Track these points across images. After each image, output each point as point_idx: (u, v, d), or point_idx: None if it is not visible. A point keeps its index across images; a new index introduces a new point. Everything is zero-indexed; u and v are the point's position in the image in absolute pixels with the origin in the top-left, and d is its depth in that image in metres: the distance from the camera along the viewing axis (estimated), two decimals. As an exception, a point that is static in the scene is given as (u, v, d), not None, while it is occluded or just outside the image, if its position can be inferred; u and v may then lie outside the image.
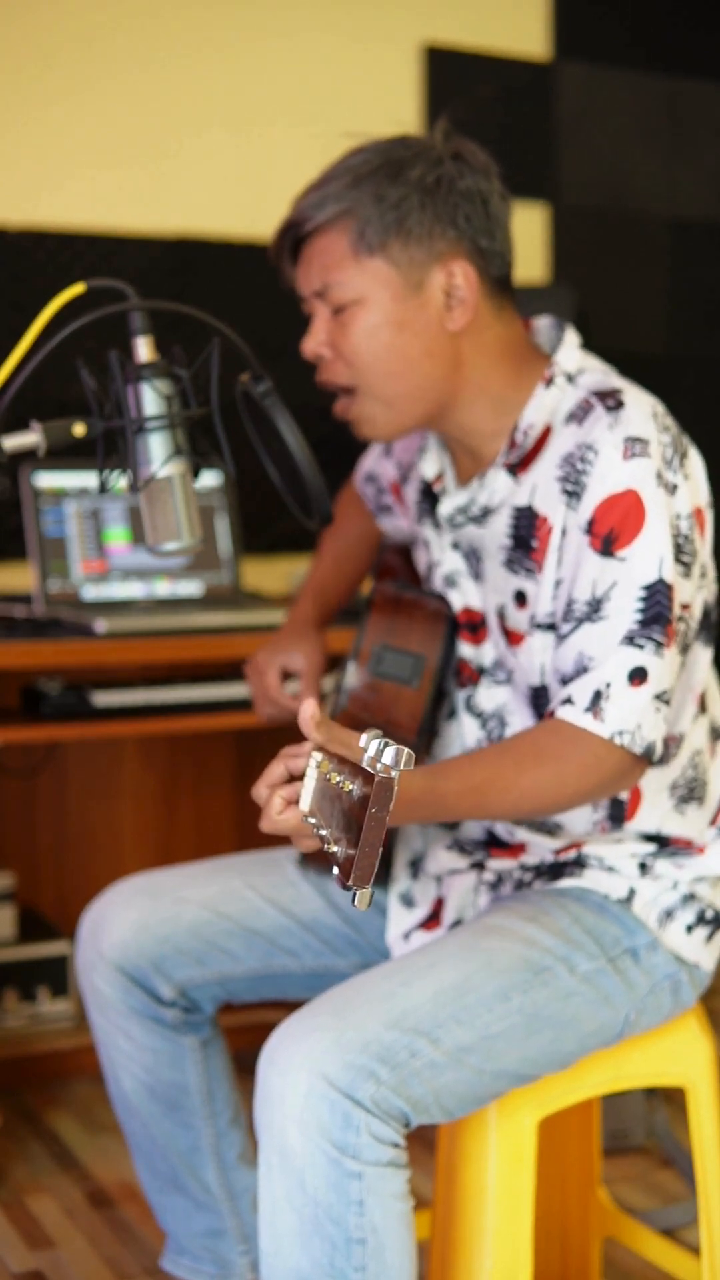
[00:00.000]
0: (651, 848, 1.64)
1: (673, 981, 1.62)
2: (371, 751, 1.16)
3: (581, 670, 1.49)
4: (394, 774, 1.14)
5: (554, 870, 1.65)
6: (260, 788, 1.36)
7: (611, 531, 1.50)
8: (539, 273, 3.45)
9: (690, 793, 1.64)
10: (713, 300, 3.69)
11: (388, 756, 1.15)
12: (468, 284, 1.58)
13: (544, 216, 3.46)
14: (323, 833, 1.22)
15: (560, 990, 1.53)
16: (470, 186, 1.58)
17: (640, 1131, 2.52)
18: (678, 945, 1.62)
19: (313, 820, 1.26)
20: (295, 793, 1.34)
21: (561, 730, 1.49)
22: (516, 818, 1.56)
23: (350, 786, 1.19)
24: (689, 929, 1.63)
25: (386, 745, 1.15)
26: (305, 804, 1.29)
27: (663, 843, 1.64)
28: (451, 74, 3.30)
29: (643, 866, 1.63)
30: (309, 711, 1.33)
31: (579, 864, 1.64)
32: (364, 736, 1.18)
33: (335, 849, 1.20)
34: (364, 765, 1.16)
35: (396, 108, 3.23)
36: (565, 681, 1.51)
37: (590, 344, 1.69)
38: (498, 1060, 1.48)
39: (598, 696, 1.47)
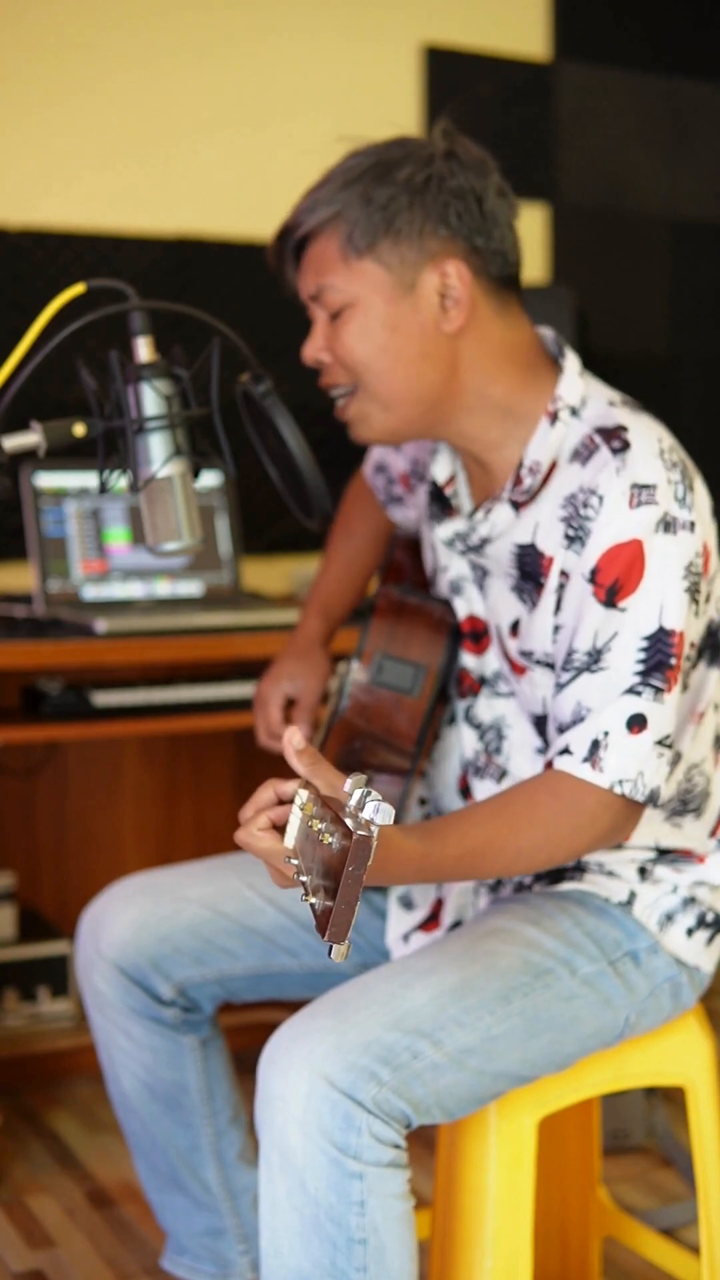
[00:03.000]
0: (651, 854, 1.63)
1: (673, 984, 1.62)
2: (354, 800, 1.13)
3: (579, 720, 1.48)
4: (373, 830, 1.11)
5: (554, 874, 1.65)
6: (247, 810, 1.35)
7: (616, 582, 1.48)
8: (539, 273, 3.45)
9: (684, 805, 1.63)
10: (713, 300, 3.69)
11: (368, 810, 1.12)
12: (462, 284, 1.55)
13: (544, 216, 3.46)
14: (303, 879, 1.20)
15: (561, 993, 1.53)
16: (462, 184, 1.55)
17: (640, 1131, 2.52)
18: (678, 948, 1.62)
19: (295, 861, 1.24)
20: (282, 816, 1.32)
21: (558, 786, 1.47)
22: (512, 876, 1.56)
23: (330, 839, 1.17)
24: (689, 932, 1.63)
25: (369, 797, 1.12)
26: (290, 841, 1.27)
27: (662, 851, 1.64)
28: (451, 74, 3.30)
29: (642, 871, 1.63)
30: (293, 739, 1.31)
31: (579, 868, 1.64)
32: (349, 781, 1.15)
33: (314, 900, 1.17)
34: (344, 817, 1.14)
35: (396, 108, 3.23)
36: (562, 730, 1.50)
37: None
38: (498, 1062, 1.48)
39: (596, 745, 1.46)
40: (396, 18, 3.25)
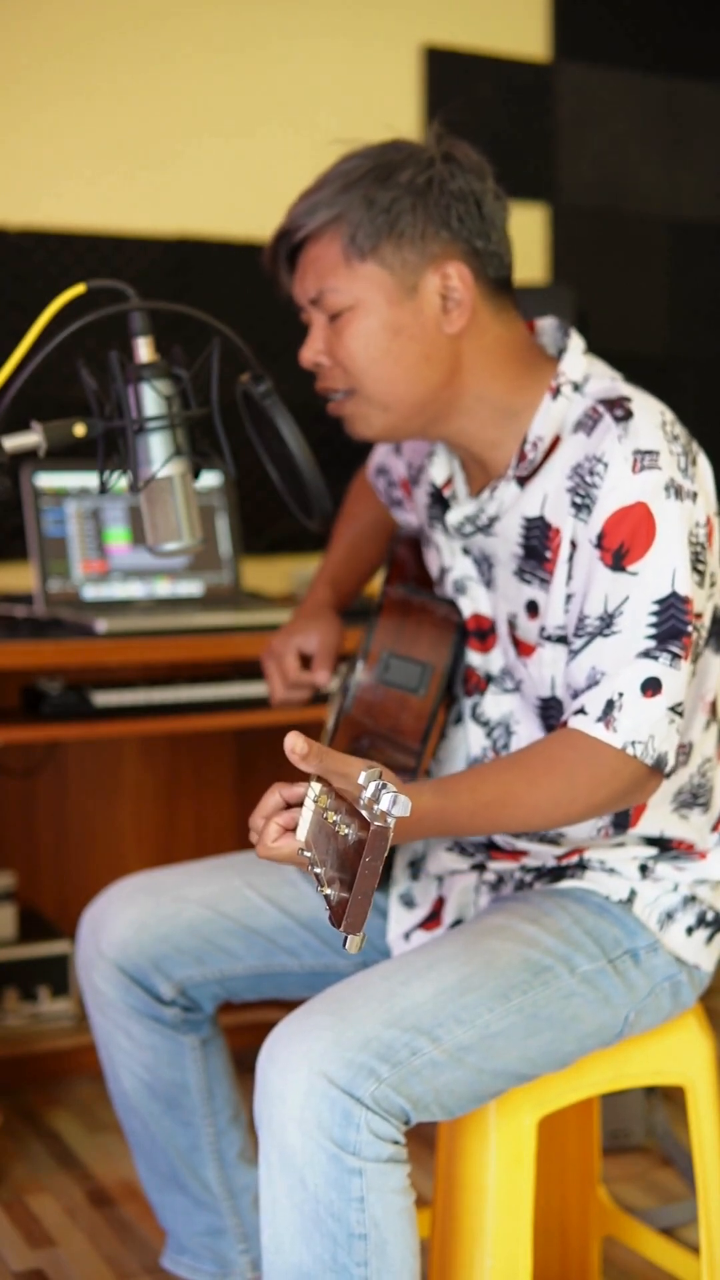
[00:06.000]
0: (653, 851, 1.64)
1: (672, 983, 1.62)
2: (369, 793, 1.13)
3: (594, 683, 1.48)
4: (390, 822, 1.11)
5: (555, 872, 1.65)
6: (256, 818, 1.34)
7: (622, 545, 1.48)
8: (539, 273, 3.45)
9: (694, 798, 1.64)
10: (713, 300, 3.69)
11: (384, 802, 1.12)
12: (464, 285, 1.56)
13: (544, 217, 3.46)
14: (318, 871, 1.20)
15: (560, 990, 1.53)
16: (462, 187, 1.56)
17: (640, 1130, 2.52)
18: (678, 947, 1.62)
19: (308, 854, 1.24)
20: (292, 819, 1.32)
21: (574, 741, 1.47)
22: (527, 832, 1.56)
23: (346, 830, 1.16)
24: (689, 931, 1.63)
25: (384, 789, 1.12)
26: (302, 835, 1.27)
27: (664, 846, 1.64)
28: (451, 74, 3.31)
29: (643, 869, 1.63)
30: (294, 745, 1.29)
31: (580, 866, 1.64)
32: (363, 774, 1.15)
33: (329, 891, 1.17)
34: (360, 808, 1.14)
35: (396, 109, 3.23)
36: (577, 695, 1.50)
37: (590, 344, 1.69)
38: (497, 1059, 1.48)
39: (610, 706, 1.46)
40: (396, 18, 3.26)
